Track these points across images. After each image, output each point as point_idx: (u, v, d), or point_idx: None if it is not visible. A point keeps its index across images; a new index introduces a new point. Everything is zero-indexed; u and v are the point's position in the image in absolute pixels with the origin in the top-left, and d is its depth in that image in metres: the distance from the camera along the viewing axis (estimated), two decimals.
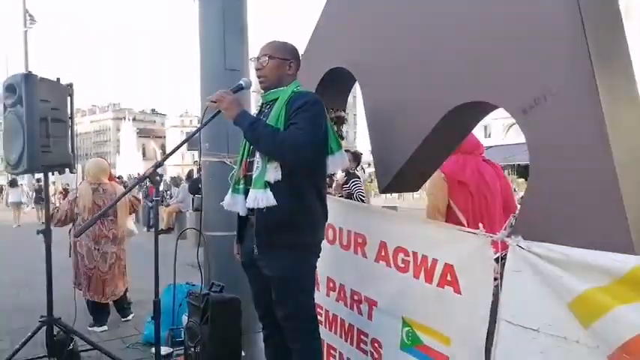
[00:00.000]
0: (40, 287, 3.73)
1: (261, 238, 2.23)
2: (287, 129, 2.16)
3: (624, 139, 1.62)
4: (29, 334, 3.28)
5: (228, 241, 2.69)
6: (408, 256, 2.23)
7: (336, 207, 2.64)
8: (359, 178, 6.07)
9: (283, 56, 2.33)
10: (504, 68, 1.88)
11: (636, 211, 1.53)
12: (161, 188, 3.79)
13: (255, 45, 2.51)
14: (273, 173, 2.16)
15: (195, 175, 11.92)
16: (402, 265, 2.27)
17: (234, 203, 2.38)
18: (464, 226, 2.53)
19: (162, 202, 13.45)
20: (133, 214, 5.03)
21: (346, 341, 2.68)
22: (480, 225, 1.91)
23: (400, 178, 2.46)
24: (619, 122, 1.62)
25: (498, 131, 34.37)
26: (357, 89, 3.15)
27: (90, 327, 4.35)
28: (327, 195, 2.48)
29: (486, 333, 1.85)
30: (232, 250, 2.55)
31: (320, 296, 2.73)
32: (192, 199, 10.60)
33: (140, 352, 3.79)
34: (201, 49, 3.73)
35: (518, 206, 2.64)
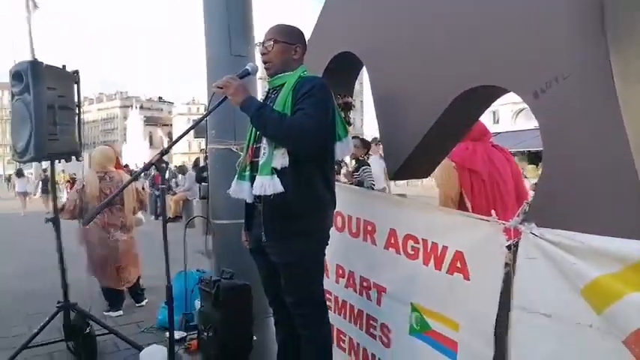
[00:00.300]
0: (50, 274, 3.77)
1: (268, 226, 2.22)
2: (294, 114, 2.13)
3: (639, 121, 1.58)
4: (47, 318, 3.33)
5: (237, 228, 2.68)
6: (418, 243, 2.22)
7: (344, 194, 2.62)
8: (369, 165, 6.05)
9: (289, 40, 2.30)
10: (515, 51, 1.84)
11: None
12: (166, 176, 3.78)
13: (261, 30, 2.47)
14: (280, 159, 2.14)
15: (202, 164, 11.95)
16: (412, 253, 2.25)
17: (240, 190, 2.36)
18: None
19: (169, 190, 13.51)
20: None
21: (355, 326, 2.68)
22: (493, 212, 1.89)
23: (410, 165, 2.44)
24: (633, 105, 1.58)
25: (507, 117, 34.06)
26: (364, 76, 3.12)
27: (105, 312, 4.42)
28: (336, 182, 2.46)
29: (495, 319, 1.84)
30: (240, 237, 2.55)
31: (329, 283, 2.73)
32: (200, 187, 10.63)
33: (154, 337, 3.84)
34: (207, 35, 3.70)
35: (530, 192, 2.60)
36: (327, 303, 2.52)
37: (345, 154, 2.46)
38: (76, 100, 3.42)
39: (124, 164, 9.54)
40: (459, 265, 1.99)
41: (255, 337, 3.10)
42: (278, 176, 2.13)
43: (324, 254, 2.37)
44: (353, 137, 2.49)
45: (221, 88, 2.20)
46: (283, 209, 2.17)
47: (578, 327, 1.53)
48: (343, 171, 5.84)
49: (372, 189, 5.54)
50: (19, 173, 18.63)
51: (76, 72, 3.43)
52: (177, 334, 3.37)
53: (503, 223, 1.79)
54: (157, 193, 12.76)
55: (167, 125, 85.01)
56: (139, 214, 5.07)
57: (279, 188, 2.12)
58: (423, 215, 2.29)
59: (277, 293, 2.39)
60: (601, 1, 1.56)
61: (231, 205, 2.86)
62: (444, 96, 2.12)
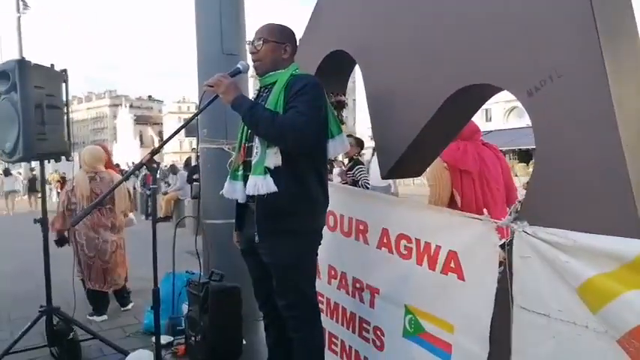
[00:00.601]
0: (37, 276, 3.71)
1: (261, 225, 2.19)
2: (286, 112, 2.11)
3: (632, 121, 1.58)
4: (29, 323, 3.26)
5: (228, 228, 2.66)
6: (411, 242, 2.20)
7: (336, 193, 2.60)
8: (364, 164, 6.03)
9: (278, 40, 2.28)
10: (508, 49, 1.83)
11: None
12: (157, 176, 3.74)
13: (252, 28, 2.45)
14: (273, 158, 2.11)
15: (194, 163, 11.89)
16: (405, 252, 2.24)
17: (233, 190, 2.33)
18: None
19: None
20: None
21: (348, 329, 2.66)
22: (485, 211, 1.88)
23: (402, 164, 2.42)
24: (627, 104, 1.57)
25: (499, 115, 34.28)
26: (356, 74, 3.10)
27: (89, 316, 4.33)
28: (328, 181, 2.44)
29: (490, 320, 1.83)
30: (232, 237, 2.52)
31: (321, 284, 2.70)
32: (191, 187, 10.57)
33: (140, 341, 3.77)
34: (198, 33, 3.67)
35: (521, 190, 2.60)
36: (320, 306, 2.50)
37: (338, 151, 2.44)
38: (64, 99, 3.37)
39: (114, 164, 9.46)
40: (452, 264, 1.98)
41: (244, 341, 3.07)
42: (271, 175, 2.11)
43: (317, 255, 2.35)
44: (347, 136, 2.46)
45: (212, 86, 2.18)
46: (277, 208, 2.15)
47: (574, 327, 1.53)
48: (337, 171, 5.81)
49: (367, 188, 5.53)
50: (7, 172, 18.54)
51: (64, 71, 3.38)
52: (164, 339, 3.31)
53: (496, 222, 1.79)
54: (147, 192, 12.70)
55: (157, 124, 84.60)
56: (131, 215, 5.01)
57: (273, 188, 2.10)
58: (415, 214, 2.28)
59: (268, 296, 2.37)
60: (591, 1, 1.56)
61: (223, 205, 2.83)
62: (438, 94, 2.11)
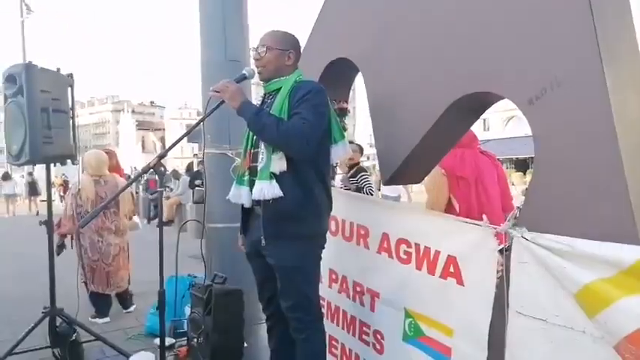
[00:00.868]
0: (40, 278, 3.72)
1: (268, 229, 2.23)
2: (291, 118, 2.15)
3: (631, 129, 1.60)
4: (32, 325, 3.27)
5: (231, 232, 2.68)
6: (411, 247, 2.23)
7: (338, 198, 2.63)
8: (367, 171, 6.04)
9: (282, 47, 2.31)
10: (509, 58, 1.86)
11: None
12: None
13: (257, 35, 2.48)
14: (278, 164, 2.15)
15: (196, 168, 11.94)
16: (405, 257, 2.26)
17: (239, 195, 2.37)
18: None
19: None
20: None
21: (348, 333, 2.68)
22: (484, 217, 1.91)
23: (403, 171, 2.46)
24: (626, 113, 1.60)
25: (497, 124, 34.31)
26: (356, 82, 3.14)
27: (92, 318, 4.35)
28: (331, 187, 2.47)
29: (489, 324, 1.85)
30: (235, 241, 2.55)
31: (322, 288, 2.72)
32: (193, 192, 10.61)
33: (142, 344, 3.79)
34: (202, 39, 3.69)
35: (517, 197, 2.63)
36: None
37: (341, 157, 2.48)
38: (70, 103, 3.40)
39: None
40: (452, 269, 2.01)
41: (246, 344, 3.09)
42: (276, 180, 2.15)
43: (321, 258, 2.38)
44: (350, 142, 2.50)
45: (218, 92, 2.21)
46: (282, 213, 2.18)
47: (571, 332, 1.55)
48: (340, 177, 5.81)
49: (372, 195, 5.54)
50: (6, 176, 18.66)
51: (71, 75, 3.41)
52: (167, 341, 3.32)
53: (495, 228, 1.81)
54: (150, 197, 12.74)
55: (159, 130, 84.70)
56: (135, 218, 5.04)
57: (278, 193, 2.14)
58: (415, 219, 2.31)
59: (272, 298, 2.39)
60: (591, 8, 1.59)
61: (227, 209, 2.85)
62: (440, 102, 2.15)
